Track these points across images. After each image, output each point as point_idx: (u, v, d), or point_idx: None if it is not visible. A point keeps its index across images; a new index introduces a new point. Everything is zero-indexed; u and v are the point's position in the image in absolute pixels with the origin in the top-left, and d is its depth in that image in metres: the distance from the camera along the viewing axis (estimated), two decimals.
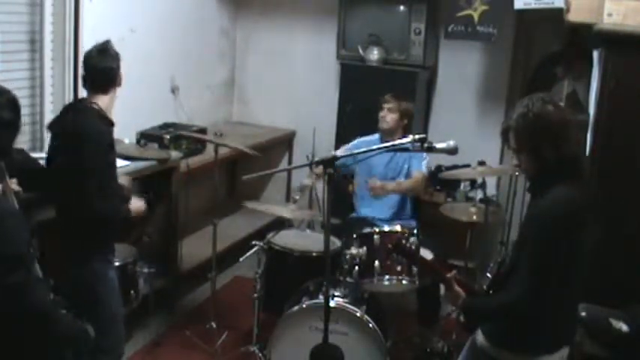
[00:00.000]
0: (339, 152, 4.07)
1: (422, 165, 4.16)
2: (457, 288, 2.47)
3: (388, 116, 4.14)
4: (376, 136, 4.24)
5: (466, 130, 5.10)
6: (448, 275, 2.50)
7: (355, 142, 4.29)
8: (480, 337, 2.46)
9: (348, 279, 3.50)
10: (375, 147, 3.04)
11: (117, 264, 3.29)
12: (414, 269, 3.38)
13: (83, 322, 2.41)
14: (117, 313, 3.05)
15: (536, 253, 2.23)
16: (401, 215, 4.19)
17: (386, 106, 4.15)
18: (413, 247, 3.27)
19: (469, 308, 2.47)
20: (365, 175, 4.25)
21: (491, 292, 2.52)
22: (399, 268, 3.35)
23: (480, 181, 4.08)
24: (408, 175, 4.18)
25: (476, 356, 2.49)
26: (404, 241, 3.29)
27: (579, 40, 4.61)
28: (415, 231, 3.49)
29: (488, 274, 4.58)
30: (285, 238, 3.85)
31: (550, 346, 2.36)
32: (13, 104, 2.24)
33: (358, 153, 3.19)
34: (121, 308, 3.11)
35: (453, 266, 4.19)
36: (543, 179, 2.32)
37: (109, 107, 3.02)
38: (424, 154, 4.13)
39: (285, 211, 3.76)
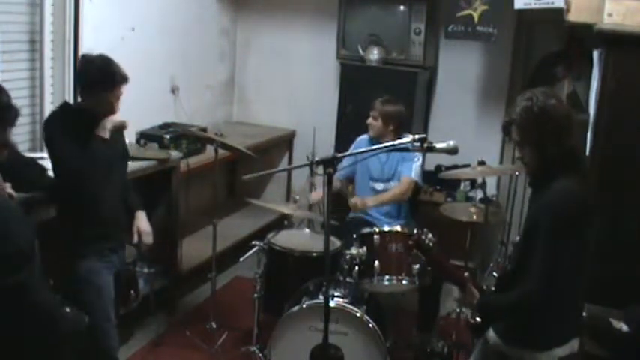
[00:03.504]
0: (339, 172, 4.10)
1: (411, 170, 4.13)
2: (473, 288, 2.47)
3: (373, 123, 4.14)
4: (367, 136, 4.24)
5: (466, 130, 5.11)
6: (465, 275, 2.50)
7: (352, 146, 4.27)
8: (492, 336, 2.45)
9: (348, 279, 3.50)
10: (375, 147, 3.05)
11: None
12: (414, 269, 3.38)
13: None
14: (103, 319, 3.00)
15: (548, 246, 2.24)
16: (397, 217, 4.19)
17: (371, 113, 4.15)
18: (431, 244, 3.26)
19: (486, 306, 2.45)
20: (363, 177, 4.25)
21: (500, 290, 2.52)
22: (401, 265, 3.33)
23: (480, 181, 4.08)
24: (399, 179, 4.17)
25: (488, 356, 2.49)
26: (423, 237, 3.29)
27: (579, 40, 4.61)
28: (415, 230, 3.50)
29: (495, 274, 4.59)
30: (285, 238, 3.85)
31: (561, 339, 2.37)
32: (2, 89, 2.24)
33: (358, 153, 3.19)
34: (110, 314, 3.06)
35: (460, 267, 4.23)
36: (545, 172, 2.33)
37: (91, 110, 2.99)
38: (416, 158, 4.13)
39: (285, 209, 3.75)
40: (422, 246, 2.74)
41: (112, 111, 3.00)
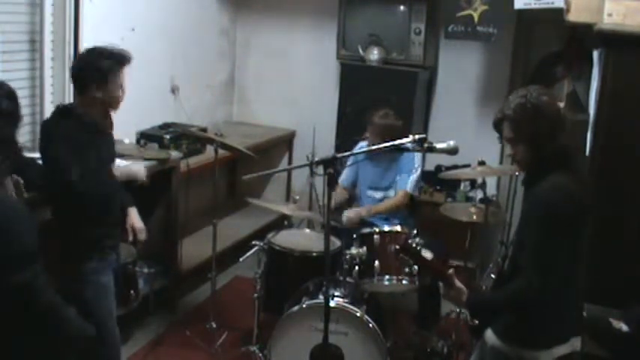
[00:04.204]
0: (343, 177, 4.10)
1: (407, 183, 4.08)
2: (459, 284, 2.44)
3: (371, 137, 4.04)
4: (365, 143, 4.20)
5: (466, 130, 5.11)
6: (449, 272, 2.47)
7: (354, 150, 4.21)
8: (491, 337, 2.45)
9: (348, 279, 3.50)
10: (375, 147, 3.05)
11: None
12: (415, 269, 3.38)
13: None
14: (106, 318, 3.01)
15: (539, 240, 2.24)
16: (395, 218, 4.17)
17: (369, 126, 4.06)
18: (418, 247, 3.27)
19: (476, 303, 2.44)
20: (363, 184, 4.23)
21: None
22: (400, 268, 3.34)
23: (480, 181, 4.08)
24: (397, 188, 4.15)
25: (487, 356, 2.48)
26: (410, 241, 3.29)
27: (579, 40, 4.61)
28: (415, 231, 3.51)
29: (492, 275, 4.58)
30: (285, 238, 3.85)
31: (561, 338, 2.37)
32: (11, 95, 2.23)
33: (358, 153, 3.19)
34: (113, 314, 3.07)
35: (452, 266, 4.23)
36: (538, 169, 2.34)
37: (88, 110, 2.96)
38: (414, 170, 4.11)
39: (285, 209, 3.75)
40: (409, 250, 2.74)
41: (118, 100, 2.99)
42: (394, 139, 3.97)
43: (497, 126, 2.40)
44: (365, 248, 3.47)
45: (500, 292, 2.44)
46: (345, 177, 4.24)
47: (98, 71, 2.91)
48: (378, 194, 4.18)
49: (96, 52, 2.94)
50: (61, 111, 3.04)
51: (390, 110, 4.13)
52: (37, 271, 2.08)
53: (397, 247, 3.16)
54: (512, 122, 2.33)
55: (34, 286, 2.06)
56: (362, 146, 4.19)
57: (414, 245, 3.22)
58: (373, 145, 4.03)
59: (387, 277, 3.40)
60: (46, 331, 2.13)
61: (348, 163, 4.14)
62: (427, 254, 3.48)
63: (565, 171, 2.31)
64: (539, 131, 2.29)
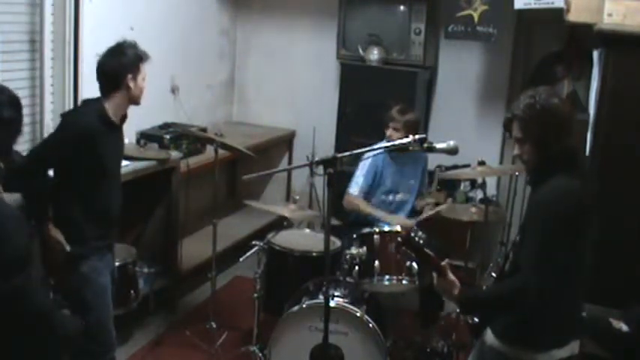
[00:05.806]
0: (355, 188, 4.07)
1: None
2: (452, 276, 2.40)
3: (395, 135, 3.97)
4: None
5: (466, 130, 5.10)
6: (442, 263, 2.44)
7: (368, 161, 4.09)
8: (489, 337, 2.45)
9: (348, 279, 3.50)
10: (376, 147, 3.05)
11: (117, 264, 3.30)
12: (414, 269, 3.38)
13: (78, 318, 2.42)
14: (103, 318, 3.01)
15: (541, 241, 2.24)
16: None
17: (392, 125, 4.00)
18: (421, 241, 3.27)
19: (469, 298, 2.41)
20: (381, 187, 4.14)
21: None
22: (400, 268, 3.34)
23: (480, 181, 4.08)
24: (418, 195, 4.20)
25: (486, 356, 2.48)
26: (412, 234, 3.28)
27: (579, 40, 4.61)
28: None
29: (493, 274, 4.58)
30: (285, 238, 3.85)
31: (561, 340, 2.37)
32: (13, 102, 2.22)
33: (358, 153, 3.16)
34: (110, 314, 3.07)
35: (452, 266, 4.22)
36: (544, 170, 2.34)
37: (116, 111, 2.99)
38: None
39: (286, 211, 3.75)
40: (412, 243, 2.74)
41: (142, 93, 3.06)
42: (416, 132, 4.00)
43: (507, 126, 2.42)
44: (365, 248, 3.47)
45: (495, 291, 2.44)
46: (360, 188, 4.05)
47: (134, 60, 2.99)
48: (390, 197, 4.15)
49: (122, 46, 2.99)
50: (103, 119, 2.95)
51: (403, 104, 4.11)
52: (29, 275, 2.07)
53: (400, 239, 3.16)
54: (521, 122, 2.34)
55: (27, 289, 2.06)
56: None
57: (416, 239, 3.22)
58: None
59: (387, 277, 3.40)
60: (38, 331, 2.13)
61: (364, 171, 4.06)
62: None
63: (571, 172, 2.32)
64: (547, 131, 2.30)
